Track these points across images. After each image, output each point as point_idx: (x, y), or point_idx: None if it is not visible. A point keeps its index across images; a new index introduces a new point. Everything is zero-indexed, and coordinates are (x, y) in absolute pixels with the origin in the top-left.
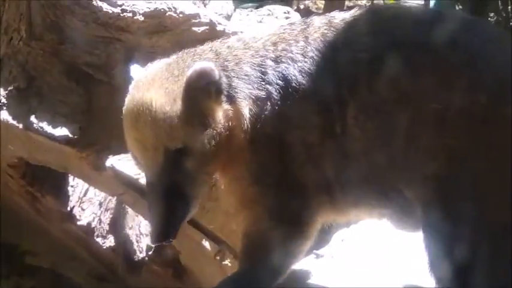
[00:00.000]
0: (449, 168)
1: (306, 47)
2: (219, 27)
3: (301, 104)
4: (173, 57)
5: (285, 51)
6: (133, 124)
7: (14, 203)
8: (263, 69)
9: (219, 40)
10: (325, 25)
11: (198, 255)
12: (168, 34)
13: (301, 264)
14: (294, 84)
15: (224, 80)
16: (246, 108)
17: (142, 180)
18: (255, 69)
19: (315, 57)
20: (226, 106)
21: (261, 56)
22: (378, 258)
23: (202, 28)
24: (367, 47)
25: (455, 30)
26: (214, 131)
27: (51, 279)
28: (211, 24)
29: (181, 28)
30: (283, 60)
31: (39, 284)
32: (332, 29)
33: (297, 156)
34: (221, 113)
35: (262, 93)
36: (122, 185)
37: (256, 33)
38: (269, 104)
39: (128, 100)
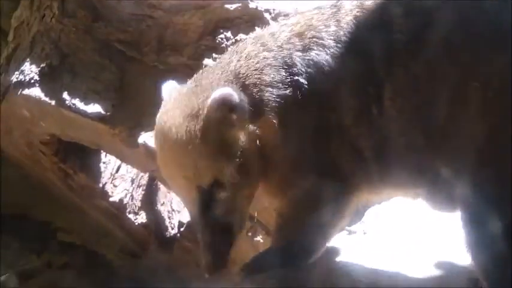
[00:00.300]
0: (490, 146)
1: (339, 32)
2: (251, 5)
3: (335, 87)
4: (193, 81)
5: (315, 39)
6: (163, 163)
7: (47, 180)
8: (289, 64)
9: (233, 51)
10: (357, 7)
11: None
12: (200, 12)
13: (333, 241)
14: (326, 69)
15: (246, 100)
16: (274, 117)
17: None
18: (279, 70)
19: (349, 41)
20: (253, 126)
21: (287, 50)
22: (411, 235)
23: (234, 5)
24: (403, 28)
25: (490, 8)
26: (242, 157)
27: (84, 256)
28: (244, 2)
29: (214, 6)
30: (313, 47)
31: (71, 260)
32: (365, 11)
33: (333, 138)
34: (248, 136)
35: (290, 90)
36: (154, 161)
37: (274, 28)
38: (299, 94)
39: (156, 133)
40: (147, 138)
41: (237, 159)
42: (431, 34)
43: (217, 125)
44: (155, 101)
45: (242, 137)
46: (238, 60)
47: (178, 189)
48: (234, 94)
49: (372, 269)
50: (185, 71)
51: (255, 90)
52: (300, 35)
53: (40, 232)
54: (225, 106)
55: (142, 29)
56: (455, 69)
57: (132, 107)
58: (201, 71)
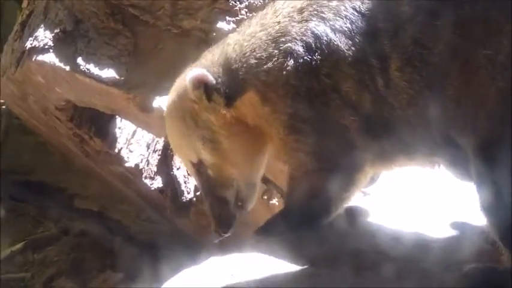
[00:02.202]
0: (502, 111)
1: (340, 6)
2: None
3: (334, 56)
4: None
5: (315, 12)
6: (169, 138)
7: (62, 146)
8: (282, 34)
9: (240, 30)
10: None
11: None
12: None
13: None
14: (324, 39)
15: (226, 81)
16: (256, 90)
17: None
18: (268, 44)
19: (350, 16)
20: (233, 103)
21: (283, 24)
22: (426, 197)
23: None
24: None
25: None
26: (219, 138)
27: (100, 221)
28: None
29: None
30: (312, 19)
31: (88, 226)
32: None
33: (332, 101)
34: (227, 115)
35: (278, 58)
36: None
37: (278, 5)
38: (291, 61)
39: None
40: (162, 102)
41: (212, 141)
42: (439, 5)
43: (191, 106)
44: (170, 65)
45: (217, 119)
46: (236, 44)
47: (182, 160)
48: (208, 76)
49: (392, 230)
50: (198, 35)
51: (239, 73)
52: (301, 10)
53: (57, 199)
54: (199, 87)
55: None
56: (465, 39)
57: (147, 72)
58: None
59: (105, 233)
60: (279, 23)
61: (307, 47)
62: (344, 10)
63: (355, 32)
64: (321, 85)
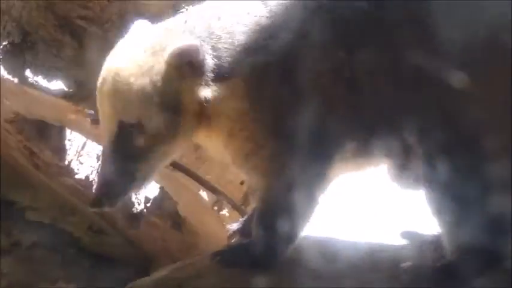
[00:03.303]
0: (457, 114)
1: (317, 10)
2: None
3: (306, 50)
4: (164, 25)
5: (280, 6)
6: (98, 88)
7: (13, 158)
8: (261, 28)
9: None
10: None
11: (196, 206)
12: None
13: None
14: (298, 33)
15: (211, 61)
16: (243, 80)
17: None
18: (252, 35)
19: (314, 8)
20: (211, 86)
21: (269, 18)
22: (376, 206)
23: None
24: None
25: None
26: (177, 113)
27: (52, 234)
28: None
29: None
30: (279, 15)
31: (40, 239)
32: None
33: (307, 105)
34: (202, 95)
35: (261, 53)
36: None
37: None
38: (272, 57)
39: (109, 56)
40: None
41: (170, 114)
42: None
43: (168, 71)
44: None
45: (187, 94)
46: (212, 20)
47: (102, 118)
48: (199, 51)
49: (337, 239)
50: None
51: (224, 53)
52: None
53: (8, 211)
54: (185, 58)
55: (103, 4)
56: (421, 34)
57: (95, 83)
58: (177, 16)
59: (57, 245)
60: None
61: (284, 44)
62: (319, 12)
63: (321, 24)
64: (299, 86)
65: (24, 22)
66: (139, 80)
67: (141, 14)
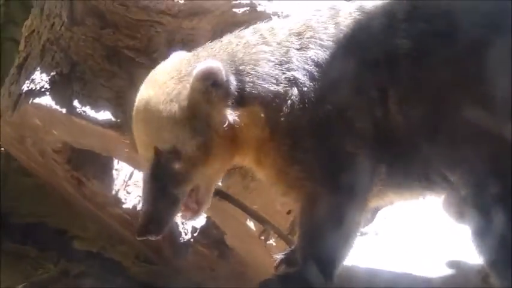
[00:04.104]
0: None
1: (339, 34)
2: (259, 8)
3: (335, 85)
4: (193, 52)
5: (313, 39)
6: (134, 118)
7: (61, 188)
8: (286, 61)
9: (235, 35)
10: (357, 10)
11: (243, 236)
12: (208, 16)
13: None
14: (325, 67)
15: (234, 83)
16: (262, 109)
17: None
18: (275, 66)
19: (349, 44)
20: (236, 109)
21: (284, 47)
22: (421, 235)
23: (242, 9)
24: (407, 33)
25: (492, 17)
26: (209, 136)
27: (100, 263)
28: (252, 5)
29: (222, 10)
30: (311, 47)
31: (88, 268)
32: (365, 14)
33: (336, 128)
34: (227, 117)
35: (283, 86)
36: None
37: (274, 24)
38: (296, 90)
39: (141, 86)
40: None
41: (202, 136)
42: (434, 42)
43: (194, 95)
44: None
45: (216, 116)
46: (237, 45)
47: (140, 147)
48: (222, 71)
49: (384, 270)
50: None
51: (247, 78)
52: (299, 35)
53: (57, 240)
54: (209, 79)
55: (151, 34)
56: (460, 76)
57: None
58: (202, 46)
59: (105, 274)
60: (279, 44)
61: (310, 76)
62: (343, 38)
63: (355, 61)
64: (324, 113)
65: (72, 52)
66: (169, 107)
67: (188, 44)
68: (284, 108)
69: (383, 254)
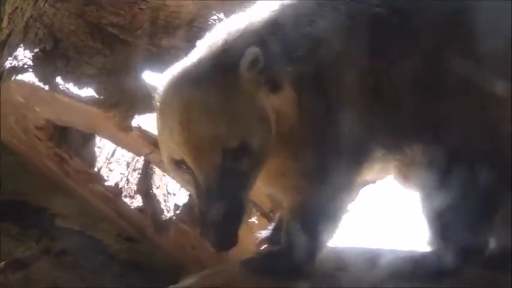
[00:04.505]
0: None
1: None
2: None
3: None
4: (210, 43)
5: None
6: (183, 125)
7: (43, 165)
8: (305, 39)
9: (256, 9)
10: None
11: None
12: None
13: None
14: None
15: (269, 66)
16: (294, 93)
17: None
18: (299, 44)
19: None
20: (275, 95)
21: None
22: (404, 213)
23: None
24: (381, 1)
25: None
26: (270, 126)
27: (82, 241)
28: None
29: None
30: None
31: (69, 246)
32: None
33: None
34: (271, 103)
35: (308, 65)
36: (148, 144)
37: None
38: (315, 70)
39: (168, 99)
40: (141, 121)
41: (264, 126)
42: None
43: (250, 85)
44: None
45: (269, 102)
46: (260, 24)
47: (198, 153)
48: (261, 57)
49: (368, 248)
50: (177, 54)
51: (277, 60)
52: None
53: (38, 218)
54: (255, 68)
55: (134, 12)
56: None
57: (126, 91)
58: (215, 30)
59: (87, 252)
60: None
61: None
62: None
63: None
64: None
65: (55, 29)
66: (229, 102)
67: (172, 21)
68: (311, 89)
69: (366, 232)
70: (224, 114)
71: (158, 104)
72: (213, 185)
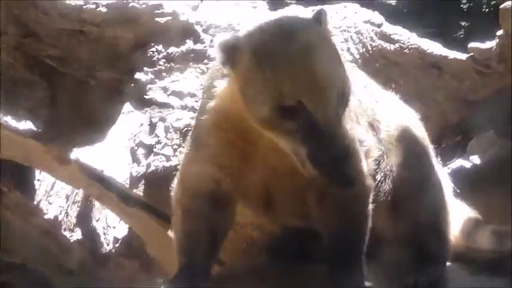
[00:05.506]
0: None
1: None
2: (182, 17)
3: None
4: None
5: None
6: (309, 66)
7: None
8: None
9: None
10: None
11: (165, 246)
12: (131, 25)
13: None
14: None
15: None
16: None
17: (107, 172)
18: None
19: None
20: None
21: None
22: None
23: (165, 18)
24: None
25: None
26: None
27: (24, 274)
28: (174, 15)
29: (144, 18)
30: None
31: (12, 280)
32: None
33: None
34: None
35: None
36: (87, 177)
37: None
38: None
39: (282, 45)
40: (80, 154)
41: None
42: None
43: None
44: (87, 116)
45: None
46: None
47: (323, 92)
48: None
49: None
50: (116, 85)
51: None
52: None
53: None
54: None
55: (73, 44)
56: None
57: (64, 124)
58: None
59: (29, 285)
60: None
61: None
62: None
63: None
64: None
65: None
66: (335, 56)
67: (110, 53)
68: None
69: None
70: (339, 57)
71: (260, 55)
72: (335, 123)
